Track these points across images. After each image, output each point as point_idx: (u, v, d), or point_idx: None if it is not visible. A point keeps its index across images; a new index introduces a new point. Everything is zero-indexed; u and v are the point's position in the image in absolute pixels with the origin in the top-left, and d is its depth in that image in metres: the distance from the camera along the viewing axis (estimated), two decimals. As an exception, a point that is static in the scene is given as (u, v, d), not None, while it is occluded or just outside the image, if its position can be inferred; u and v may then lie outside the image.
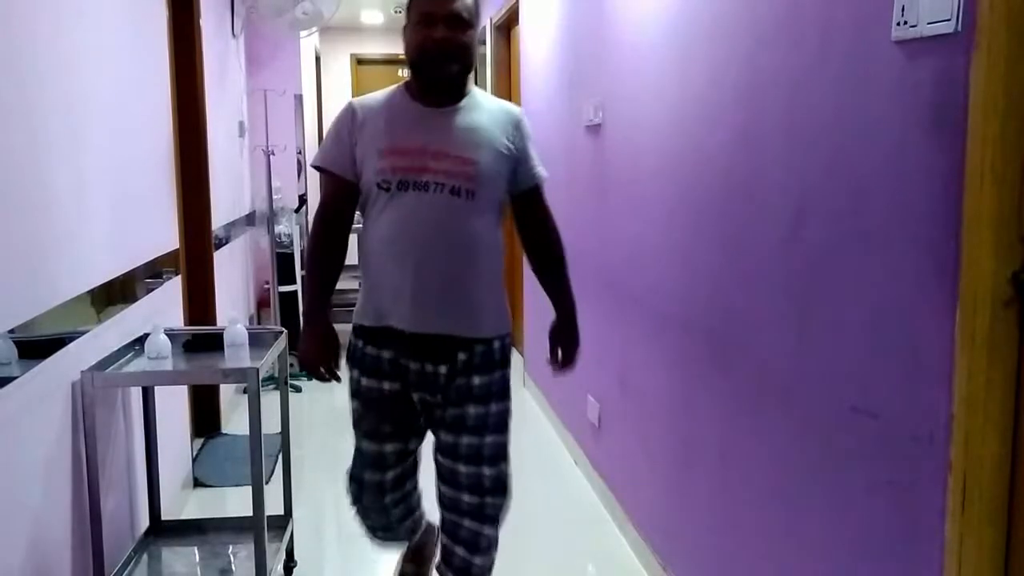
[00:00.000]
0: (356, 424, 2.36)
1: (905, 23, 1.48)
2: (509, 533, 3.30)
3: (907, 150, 1.51)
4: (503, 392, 2.27)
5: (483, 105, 2.23)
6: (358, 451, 2.36)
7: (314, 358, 2.29)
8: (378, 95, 2.25)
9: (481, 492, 2.23)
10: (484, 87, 6.69)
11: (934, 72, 1.43)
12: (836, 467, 1.75)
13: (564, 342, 2.40)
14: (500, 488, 2.26)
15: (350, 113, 2.20)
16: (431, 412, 2.26)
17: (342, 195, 2.22)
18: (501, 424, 2.27)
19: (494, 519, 2.29)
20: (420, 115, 2.17)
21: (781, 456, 2.00)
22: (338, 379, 2.34)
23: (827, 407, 1.78)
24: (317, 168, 2.25)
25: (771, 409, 2.04)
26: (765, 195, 2.04)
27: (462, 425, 2.22)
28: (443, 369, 2.19)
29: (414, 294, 2.13)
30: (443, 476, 2.28)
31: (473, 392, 2.21)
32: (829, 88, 1.75)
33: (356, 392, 2.33)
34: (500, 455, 2.26)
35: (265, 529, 2.48)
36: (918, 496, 1.49)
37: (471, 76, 2.23)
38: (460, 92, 2.20)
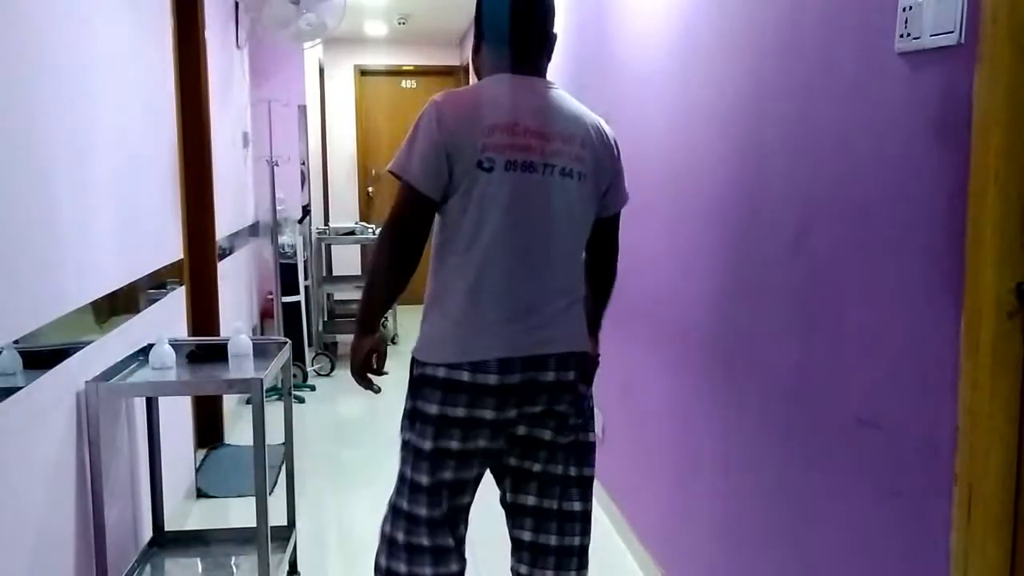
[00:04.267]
0: None
1: (908, 35, 1.48)
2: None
3: (911, 161, 1.51)
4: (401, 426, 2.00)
5: None
6: None
7: None
8: None
9: None
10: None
11: (938, 83, 1.43)
12: (840, 478, 1.75)
13: None
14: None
15: None
16: None
17: None
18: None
19: None
20: None
21: (785, 467, 1.99)
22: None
23: (831, 418, 1.77)
24: None
25: (774, 420, 2.04)
26: (769, 205, 2.05)
27: None
28: None
29: None
30: None
31: None
32: (832, 99, 1.76)
33: None
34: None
35: (268, 540, 2.48)
36: (923, 507, 1.49)
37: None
38: None
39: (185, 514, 3.45)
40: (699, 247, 2.49)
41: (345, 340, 6.55)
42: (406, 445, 1.98)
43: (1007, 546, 1.38)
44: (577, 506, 2.03)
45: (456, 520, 2.00)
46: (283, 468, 3.18)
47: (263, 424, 2.46)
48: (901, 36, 1.50)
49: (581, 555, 2.07)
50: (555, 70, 4.28)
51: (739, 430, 2.25)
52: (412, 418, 1.95)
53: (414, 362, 1.96)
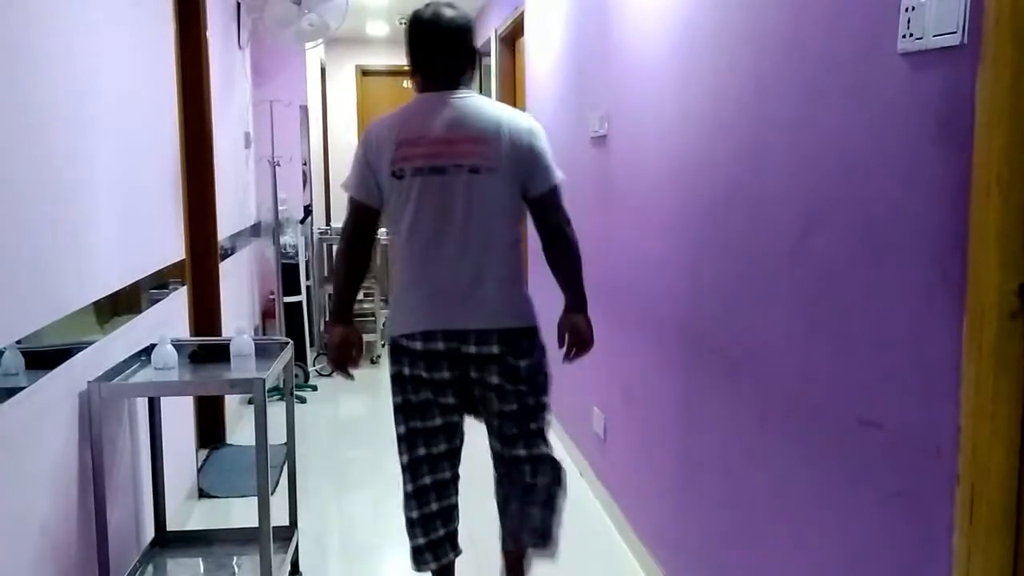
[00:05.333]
0: None
1: (911, 35, 1.48)
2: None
3: (913, 162, 1.51)
4: None
5: None
6: None
7: None
8: None
9: None
10: (489, 98, 6.71)
11: (940, 84, 1.43)
12: (843, 479, 1.75)
13: None
14: None
15: None
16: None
17: None
18: None
19: None
20: None
21: (787, 468, 1.99)
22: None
23: (834, 419, 1.78)
24: None
25: (777, 421, 2.04)
26: (771, 206, 2.05)
27: None
28: None
29: None
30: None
31: None
32: (834, 100, 1.76)
33: None
34: None
35: (270, 540, 2.48)
36: (926, 508, 1.49)
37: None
38: None
39: (187, 514, 3.45)
40: (700, 248, 2.49)
41: (347, 340, 6.54)
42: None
43: (1009, 546, 1.38)
44: (522, 452, 2.47)
45: (436, 460, 2.48)
46: (285, 468, 3.19)
47: (265, 424, 2.46)
48: (903, 36, 1.50)
49: (527, 501, 2.49)
50: (556, 70, 4.30)
51: (741, 430, 2.25)
52: (391, 378, 2.48)
53: None
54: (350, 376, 2.51)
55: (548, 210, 2.44)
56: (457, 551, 2.54)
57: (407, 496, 2.48)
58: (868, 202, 1.64)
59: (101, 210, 2.53)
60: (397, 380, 2.44)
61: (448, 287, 2.35)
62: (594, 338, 2.58)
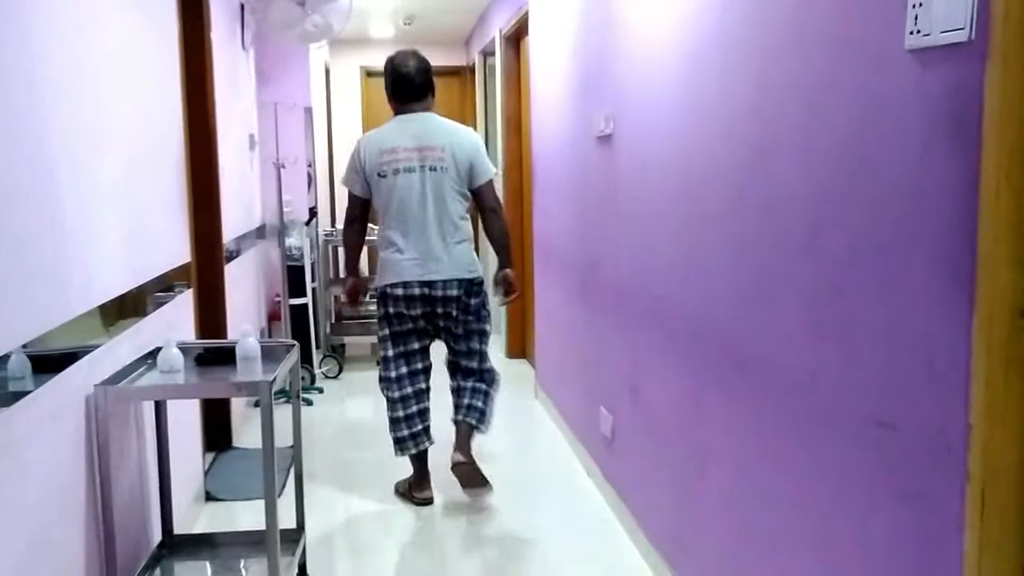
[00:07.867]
0: None
1: (919, 32, 1.47)
2: (522, 543, 3.29)
3: (922, 159, 1.50)
4: None
5: None
6: None
7: None
8: None
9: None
10: (493, 98, 6.71)
11: (948, 81, 1.42)
12: (853, 478, 1.74)
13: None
14: None
15: None
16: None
17: None
18: None
19: None
20: None
21: (795, 468, 1.98)
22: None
23: (844, 418, 1.77)
24: None
25: (787, 421, 2.03)
26: (779, 205, 2.04)
27: None
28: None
29: None
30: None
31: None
32: (842, 97, 1.75)
33: None
34: None
35: (278, 543, 2.48)
36: (936, 507, 1.48)
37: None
38: None
39: (194, 517, 3.45)
40: (708, 247, 2.48)
41: (352, 342, 6.59)
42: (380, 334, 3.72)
43: (1020, 544, 1.37)
44: (474, 364, 3.69)
45: (415, 375, 3.66)
46: (292, 471, 3.18)
47: (271, 427, 2.46)
48: (911, 33, 1.49)
49: (475, 391, 3.69)
50: (562, 70, 4.30)
51: (750, 432, 2.24)
52: (379, 318, 3.65)
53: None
54: (362, 302, 3.95)
55: (484, 196, 3.61)
56: (431, 440, 3.66)
57: (392, 401, 3.61)
58: (877, 200, 1.63)
59: (106, 213, 2.53)
60: (385, 317, 3.59)
61: (423, 250, 3.48)
62: (520, 286, 3.82)
